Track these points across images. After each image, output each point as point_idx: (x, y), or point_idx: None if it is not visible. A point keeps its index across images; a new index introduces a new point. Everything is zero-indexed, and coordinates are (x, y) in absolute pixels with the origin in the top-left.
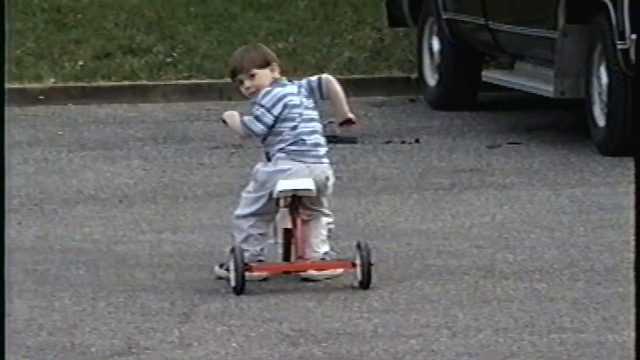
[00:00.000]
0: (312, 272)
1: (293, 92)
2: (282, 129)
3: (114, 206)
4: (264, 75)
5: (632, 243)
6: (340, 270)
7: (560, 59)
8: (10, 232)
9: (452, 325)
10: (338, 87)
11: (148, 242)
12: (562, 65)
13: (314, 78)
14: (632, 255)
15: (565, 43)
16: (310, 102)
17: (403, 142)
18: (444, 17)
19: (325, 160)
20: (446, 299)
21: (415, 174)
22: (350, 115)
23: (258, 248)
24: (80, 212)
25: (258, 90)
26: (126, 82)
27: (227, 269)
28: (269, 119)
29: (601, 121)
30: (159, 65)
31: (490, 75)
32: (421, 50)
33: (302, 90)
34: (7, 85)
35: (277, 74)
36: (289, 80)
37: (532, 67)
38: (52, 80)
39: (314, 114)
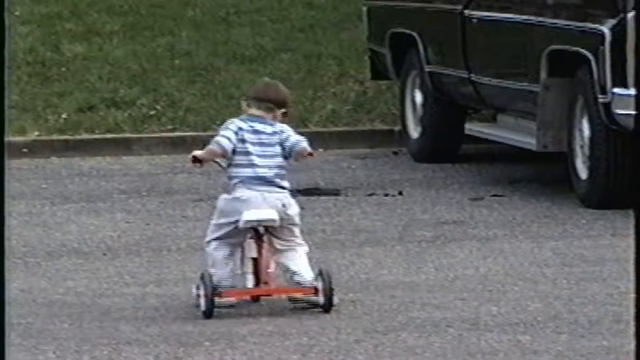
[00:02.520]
0: (296, 296)
1: (265, 131)
2: (241, 162)
3: (98, 259)
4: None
5: (615, 296)
6: (321, 300)
7: (542, 112)
8: None
9: None
10: (305, 151)
11: (132, 295)
12: (544, 118)
13: (291, 141)
14: (615, 309)
15: (547, 96)
16: (275, 149)
17: (386, 195)
18: (427, 70)
19: (281, 190)
20: (430, 351)
21: (398, 226)
22: (309, 150)
23: (227, 270)
24: (63, 265)
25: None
26: (110, 135)
27: (198, 295)
28: (232, 136)
29: (583, 174)
30: (143, 118)
31: (472, 127)
32: (404, 103)
33: (276, 134)
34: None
35: (254, 111)
36: (271, 123)
37: (515, 120)
38: (36, 133)
39: (276, 150)
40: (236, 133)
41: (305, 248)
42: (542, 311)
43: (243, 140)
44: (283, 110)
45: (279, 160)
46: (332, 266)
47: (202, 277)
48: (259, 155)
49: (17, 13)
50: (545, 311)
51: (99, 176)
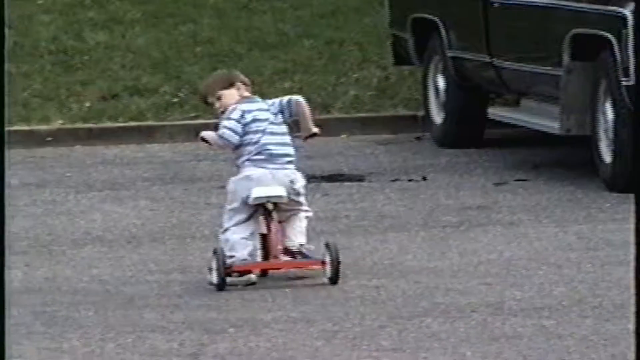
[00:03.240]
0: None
1: (262, 107)
2: (248, 140)
3: (122, 247)
4: (230, 95)
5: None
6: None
7: (565, 95)
8: (18, 274)
9: None
10: (306, 108)
11: (156, 282)
12: (567, 102)
13: (285, 98)
14: None
15: (570, 80)
16: (278, 119)
17: (410, 180)
18: (449, 55)
19: (290, 166)
20: (454, 336)
21: (422, 211)
22: (315, 130)
23: (246, 252)
24: (88, 253)
25: (226, 109)
26: (133, 123)
27: (210, 271)
28: (238, 127)
29: (607, 157)
30: (166, 106)
31: (496, 112)
32: (427, 88)
33: (272, 107)
34: (14, 127)
35: (244, 92)
36: (262, 99)
37: (538, 104)
38: (60, 121)
39: (281, 128)
40: (241, 118)
41: (308, 214)
42: (566, 295)
43: (253, 120)
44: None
45: (283, 130)
46: (356, 252)
47: (214, 252)
48: (265, 131)
49: (39, 2)
50: (569, 295)
51: (122, 164)
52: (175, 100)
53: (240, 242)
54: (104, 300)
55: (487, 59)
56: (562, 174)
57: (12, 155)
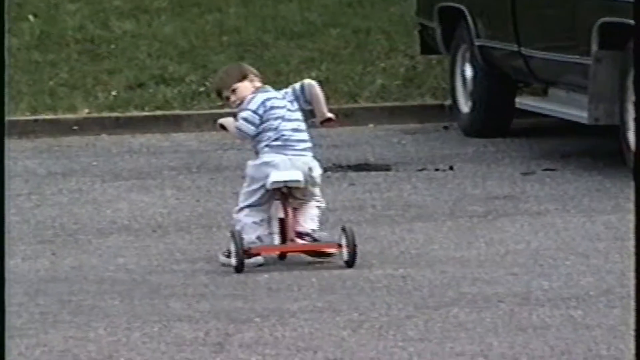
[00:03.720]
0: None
1: (277, 96)
2: (268, 127)
3: (148, 236)
4: (244, 87)
5: None
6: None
7: (593, 85)
8: (44, 263)
9: (487, 353)
10: (319, 91)
11: (182, 271)
12: (595, 91)
13: (298, 84)
14: None
15: (598, 69)
16: (294, 106)
17: (437, 170)
18: (477, 44)
19: (308, 153)
20: (481, 326)
21: (449, 201)
22: (329, 115)
23: (253, 236)
24: (114, 242)
25: (242, 101)
26: (159, 112)
27: (229, 254)
28: (255, 119)
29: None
30: (192, 95)
31: (523, 101)
32: (454, 77)
33: (287, 96)
34: (40, 117)
35: (257, 84)
36: (276, 89)
37: (566, 93)
38: (86, 110)
39: (297, 115)
40: (257, 109)
41: (320, 204)
42: (594, 285)
43: (272, 108)
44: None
45: (299, 116)
46: (382, 242)
47: (232, 235)
48: (283, 118)
49: None
50: (597, 285)
51: (149, 153)
52: (202, 89)
53: (251, 225)
54: (130, 289)
55: (515, 48)
56: (590, 163)
57: (39, 144)
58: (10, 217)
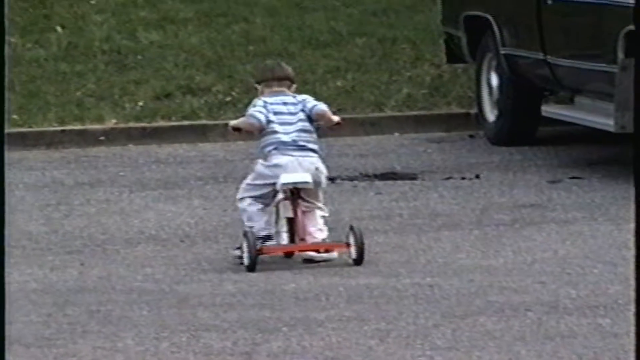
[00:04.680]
0: (311, 254)
1: (287, 101)
2: (274, 129)
3: (176, 246)
4: (260, 90)
5: None
6: (336, 254)
7: (620, 93)
8: (73, 273)
9: None
10: (326, 116)
11: (209, 281)
12: (622, 99)
13: (310, 105)
14: None
15: (624, 77)
16: (302, 114)
17: (463, 178)
18: (503, 52)
19: (313, 154)
20: (509, 335)
21: (475, 210)
22: (336, 119)
23: (263, 221)
24: (142, 252)
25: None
26: (186, 122)
27: (241, 250)
28: (264, 110)
29: None
30: (219, 105)
31: (550, 109)
32: (480, 85)
33: (300, 104)
34: (67, 127)
35: (275, 88)
36: (292, 94)
37: (592, 101)
38: (113, 121)
39: (303, 118)
40: (264, 107)
41: (323, 212)
42: (621, 294)
43: (274, 112)
44: (295, 85)
45: (307, 125)
46: (409, 250)
47: (244, 234)
48: (290, 123)
49: (92, 2)
50: (625, 294)
51: (176, 163)
52: (228, 99)
53: (257, 212)
54: (158, 299)
55: (541, 56)
56: (617, 171)
57: (66, 154)
58: (39, 228)
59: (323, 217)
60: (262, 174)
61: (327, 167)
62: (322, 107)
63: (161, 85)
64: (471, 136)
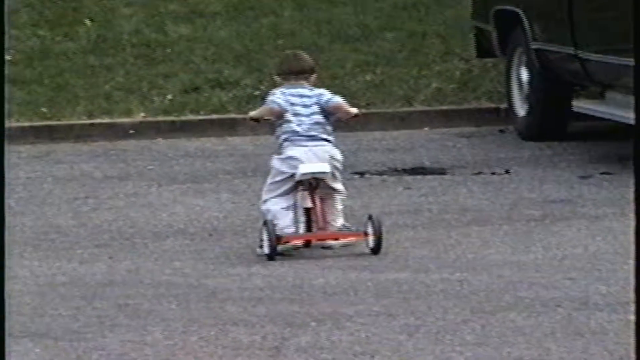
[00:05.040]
0: (330, 242)
1: (303, 94)
2: (288, 120)
3: (204, 240)
4: (279, 82)
5: None
6: (354, 239)
7: None
8: (101, 267)
9: (545, 358)
10: (341, 108)
11: (238, 275)
12: None
13: (325, 98)
14: None
15: None
16: (316, 107)
17: (493, 173)
18: (533, 47)
19: (326, 143)
20: (539, 331)
21: (505, 205)
22: (354, 111)
23: (288, 219)
24: (170, 246)
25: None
26: (214, 116)
27: (261, 243)
28: (281, 98)
29: None
30: (247, 99)
31: (580, 105)
32: (510, 80)
33: (315, 98)
34: (96, 121)
35: (292, 80)
36: (310, 87)
37: (623, 96)
38: (142, 114)
39: (316, 110)
40: (282, 95)
41: (342, 195)
42: None
43: (291, 103)
44: (315, 75)
45: (321, 118)
46: (438, 246)
47: (265, 224)
48: (303, 115)
49: None
50: None
51: (204, 157)
52: (257, 92)
53: (280, 211)
54: (187, 293)
55: (572, 51)
56: None
57: (95, 148)
58: (67, 221)
59: (342, 200)
60: (280, 169)
61: (356, 162)
62: (338, 99)
63: (190, 78)
64: (501, 131)
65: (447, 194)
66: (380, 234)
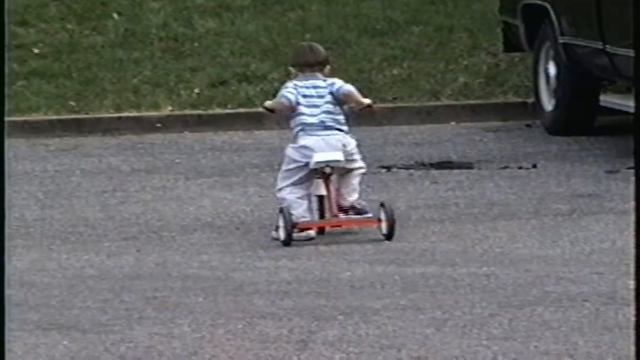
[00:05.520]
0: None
1: (317, 85)
2: (302, 111)
3: (231, 233)
4: (294, 73)
5: None
6: (367, 225)
7: None
8: (129, 260)
9: (573, 352)
10: (353, 96)
11: (265, 269)
12: None
13: (337, 86)
14: None
15: None
16: (329, 97)
17: (520, 168)
18: (561, 41)
19: (339, 132)
20: (567, 325)
21: (532, 199)
22: (367, 101)
23: (301, 210)
24: (197, 239)
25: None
26: (242, 110)
27: (277, 228)
28: (294, 91)
29: None
30: (274, 92)
31: (608, 99)
32: (537, 75)
33: (328, 87)
34: (124, 114)
35: (306, 71)
36: (323, 78)
37: None
38: (169, 108)
39: (334, 105)
40: (295, 89)
41: (361, 170)
42: None
43: (303, 95)
44: (328, 66)
45: (333, 107)
46: (465, 240)
47: (281, 211)
48: (317, 106)
49: None
50: None
51: (231, 150)
52: None
53: (296, 201)
54: (214, 286)
55: (600, 45)
56: None
57: (122, 141)
58: (95, 214)
59: (360, 174)
60: (294, 158)
61: (383, 156)
62: (349, 87)
63: (217, 72)
64: (528, 125)
65: (474, 188)
66: (393, 220)
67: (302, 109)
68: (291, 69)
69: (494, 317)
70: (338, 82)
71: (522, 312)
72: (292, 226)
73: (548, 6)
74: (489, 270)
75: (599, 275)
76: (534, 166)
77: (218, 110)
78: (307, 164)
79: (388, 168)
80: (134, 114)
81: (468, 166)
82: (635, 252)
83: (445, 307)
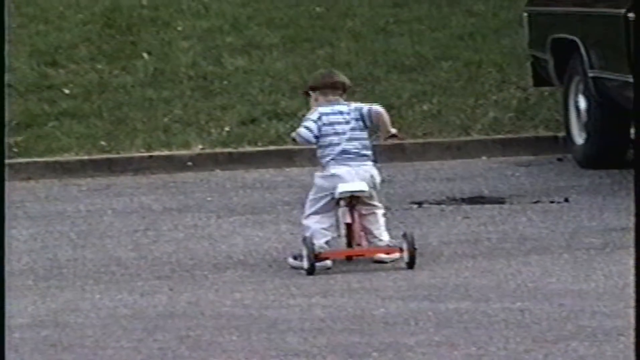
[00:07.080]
0: (382, 256)
1: (342, 110)
2: (330, 142)
3: (264, 271)
4: (314, 97)
5: None
6: (397, 255)
7: None
8: (162, 299)
9: None
10: (384, 117)
11: (298, 306)
12: None
13: (365, 108)
14: None
15: None
16: (359, 123)
17: (552, 202)
18: (590, 75)
19: (368, 163)
20: None
21: (565, 233)
22: (393, 131)
23: (322, 241)
24: (230, 277)
25: (313, 106)
26: (272, 147)
27: (300, 258)
28: (314, 126)
29: None
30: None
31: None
32: (568, 108)
33: (353, 113)
34: (155, 153)
35: (330, 96)
36: (346, 103)
37: None
38: (200, 146)
39: (361, 132)
40: (318, 119)
41: (382, 210)
42: None
43: (330, 123)
44: (346, 94)
45: (363, 134)
46: (499, 275)
47: (304, 240)
48: (345, 133)
49: (179, 28)
50: None
51: (262, 188)
52: None
53: (320, 231)
54: (247, 324)
55: (630, 79)
56: None
57: (154, 180)
58: (127, 253)
59: (384, 215)
60: (322, 186)
61: (415, 192)
62: (379, 108)
63: (247, 110)
64: (559, 159)
65: (506, 223)
66: (415, 249)
67: (331, 138)
68: (311, 93)
69: (529, 353)
70: (364, 105)
71: (557, 347)
72: (315, 256)
73: (577, 40)
74: (523, 305)
75: (633, 309)
76: (566, 200)
77: (249, 148)
78: (333, 193)
79: (419, 204)
80: (164, 152)
81: (500, 201)
82: (635, 252)
83: (479, 343)
